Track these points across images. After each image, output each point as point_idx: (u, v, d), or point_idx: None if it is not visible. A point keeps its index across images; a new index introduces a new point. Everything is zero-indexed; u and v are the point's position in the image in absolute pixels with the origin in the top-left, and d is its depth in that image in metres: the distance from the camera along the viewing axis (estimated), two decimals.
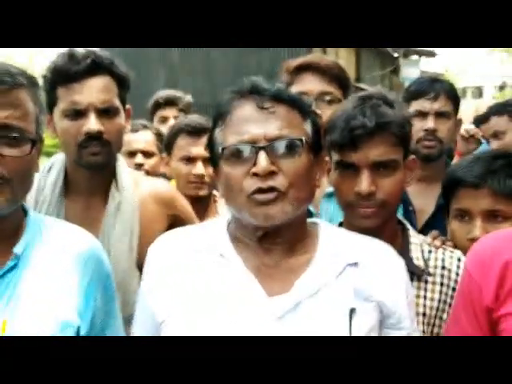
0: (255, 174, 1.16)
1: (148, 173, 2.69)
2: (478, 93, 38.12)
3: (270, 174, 1.16)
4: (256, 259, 1.23)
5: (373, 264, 1.25)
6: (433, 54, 18.80)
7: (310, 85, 1.96)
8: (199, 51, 10.79)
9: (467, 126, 3.51)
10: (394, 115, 1.47)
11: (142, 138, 2.88)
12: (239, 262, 1.22)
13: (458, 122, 2.30)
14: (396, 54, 16.82)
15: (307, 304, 1.17)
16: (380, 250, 1.30)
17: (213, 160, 1.27)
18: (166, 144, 2.55)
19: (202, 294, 1.19)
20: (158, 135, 2.91)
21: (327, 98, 1.95)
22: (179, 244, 1.28)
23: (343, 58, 13.35)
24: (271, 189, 1.16)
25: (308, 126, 1.24)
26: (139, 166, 2.76)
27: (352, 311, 1.18)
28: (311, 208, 1.94)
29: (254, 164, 1.16)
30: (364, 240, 1.31)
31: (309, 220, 1.32)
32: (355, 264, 1.24)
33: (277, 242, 1.23)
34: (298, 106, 1.23)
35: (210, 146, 1.27)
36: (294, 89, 1.95)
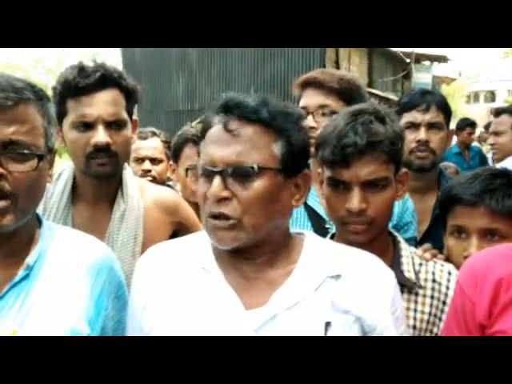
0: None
1: (155, 179, 2.74)
2: (491, 97, 37.78)
3: (223, 200, 1.16)
4: (236, 272, 1.23)
5: (356, 277, 1.23)
6: (445, 60, 18.65)
7: (309, 99, 2.01)
8: (217, 57, 10.84)
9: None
10: (386, 132, 1.46)
11: (150, 145, 2.92)
12: (220, 275, 1.22)
13: (451, 133, 2.30)
14: (408, 60, 16.71)
15: (284, 317, 1.16)
16: (366, 263, 1.27)
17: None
18: (174, 152, 2.61)
19: (185, 307, 1.21)
20: (167, 142, 2.96)
21: (323, 110, 1.98)
22: (165, 258, 1.29)
23: (355, 63, 13.31)
24: (222, 215, 1.16)
25: (277, 148, 1.19)
26: (147, 173, 2.82)
27: (327, 325, 1.16)
28: (324, 215, 1.94)
29: None
30: (351, 252, 1.29)
31: (295, 231, 1.32)
32: (337, 276, 1.22)
33: (253, 256, 1.23)
34: (270, 126, 1.19)
35: None
36: (300, 104, 2.03)
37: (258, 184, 1.17)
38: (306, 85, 2.04)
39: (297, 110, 1.27)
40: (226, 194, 1.16)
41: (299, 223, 1.96)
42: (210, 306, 1.19)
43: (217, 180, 1.16)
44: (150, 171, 2.86)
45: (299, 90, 2.06)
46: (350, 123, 1.46)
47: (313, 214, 1.97)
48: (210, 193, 1.16)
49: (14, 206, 1.19)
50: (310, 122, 1.96)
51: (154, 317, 1.23)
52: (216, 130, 1.20)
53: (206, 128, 1.23)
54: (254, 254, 1.23)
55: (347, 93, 2.01)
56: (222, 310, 1.18)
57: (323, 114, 1.98)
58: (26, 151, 1.19)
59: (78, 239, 1.39)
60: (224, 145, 1.17)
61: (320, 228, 1.90)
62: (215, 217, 1.17)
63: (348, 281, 1.22)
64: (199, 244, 1.29)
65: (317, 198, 1.98)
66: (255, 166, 1.16)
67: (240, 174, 1.16)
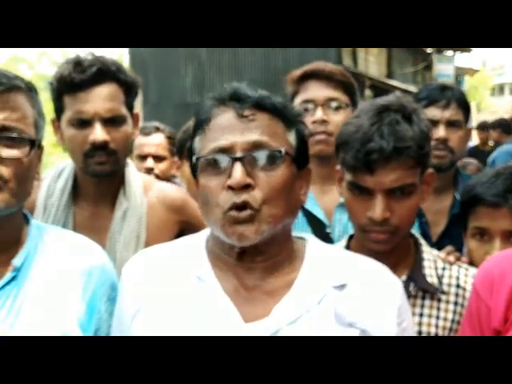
0: (230, 187, 1.08)
1: (158, 177, 2.66)
2: None
3: (246, 188, 1.08)
4: (235, 280, 1.15)
5: (360, 287, 1.15)
6: (468, 49, 18.38)
7: (315, 92, 1.92)
8: (226, 49, 10.78)
9: None
10: (413, 135, 1.36)
11: (153, 142, 2.84)
12: (217, 284, 1.14)
13: (468, 132, 2.22)
14: (429, 50, 16.47)
15: (286, 332, 1.09)
16: (371, 272, 1.20)
17: (193, 171, 1.19)
18: (178, 148, 2.53)
19: (179, 319, 1.13)
20: (171, 138, 2.88)
21: (334, 104, 1.91)
22: (156, 264, 1.21)
23: (373, 53, 13.16)
24: (245, 206, 1.08)
25: (292, 137, 1.16)
26: (149, 171, 2.74)
27: None
28: (324, 219, 1.88)
29: (229, 176, 1.08)
30: (355, 260, 1.22)
31: (296, 235, 1.24)
32: (341, 286, 1.14)
33: (257, 261, 1.15)
34: (282, 114, 1.15)
35: (190, 155, 1.18)
36: (300, 98, 1.93)
37: (282, 171, 1.11)
38: (308, 77, 1.94)
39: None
40: (250, 180, 1.08)
41: (298, 229, 1.85)
42: (207, 318, 1.11)
43: (238, 166, 1.08)
44: (152, 169, 2.79)
45: (295, 84, 1.96)
46: (375, 124, 1.36)
47: (312, 219, 1.89)
48: (234, 181, 1.07)
49: (8, 189, 1.19)
50: (319, 115, 1.88)
51: (145, 326, 1.15)
52: (225, 118, 1.12)
53: (205, 120, 1.15)
54: (259, 257, 1.15)
55: (351, 86, 1.96)
56: (220, 322, 1.10)
57: (333, 108, 1.90)
58: (18, 135, 1.20)
59: (70, 240, 1.35)
60: (241, 131, 1.10)
61: (320, 233, 1.81)
62: (236, 208, 1.08)
63: (352, 291, 1.15)
64: (193, 250, 1.21)
65: (314, 202, 1.90)
66: (283, 150, 1.11)
67: (263, 158, 1.10)
